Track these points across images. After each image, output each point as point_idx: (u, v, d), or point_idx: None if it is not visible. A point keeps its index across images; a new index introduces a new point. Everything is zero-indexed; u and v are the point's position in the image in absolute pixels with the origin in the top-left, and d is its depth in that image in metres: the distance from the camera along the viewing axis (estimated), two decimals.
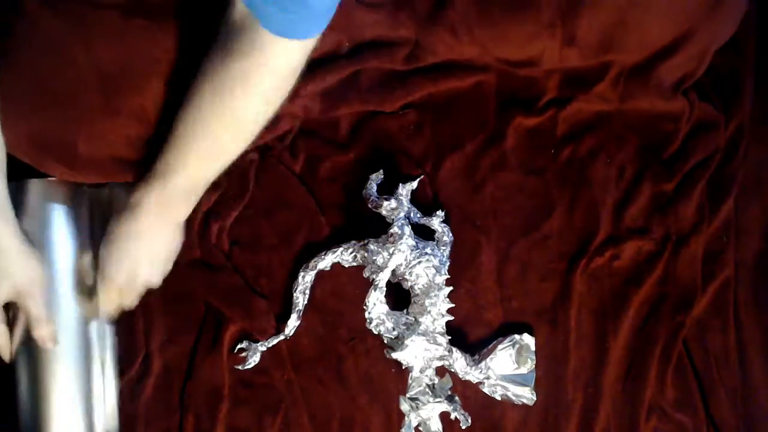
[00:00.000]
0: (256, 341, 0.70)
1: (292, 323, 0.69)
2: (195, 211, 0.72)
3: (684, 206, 0.71)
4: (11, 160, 0.64)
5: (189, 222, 0.73)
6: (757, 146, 0.73)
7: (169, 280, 0.72)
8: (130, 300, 0.67)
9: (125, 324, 0.73)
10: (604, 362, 0.69)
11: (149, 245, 0.64)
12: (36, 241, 0.66)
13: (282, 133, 0.72)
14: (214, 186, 0.73)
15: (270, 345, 0.70)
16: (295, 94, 0.68)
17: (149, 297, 0.72)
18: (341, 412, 0.70)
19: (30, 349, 0.67)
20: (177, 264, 0.72)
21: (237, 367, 0.70)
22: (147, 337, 0.72)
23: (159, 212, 0.61)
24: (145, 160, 0.64)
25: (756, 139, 0.73)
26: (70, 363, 0.68)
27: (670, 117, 0.72)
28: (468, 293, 0.70)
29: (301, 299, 0.69)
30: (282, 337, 0.70)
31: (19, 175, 0.67)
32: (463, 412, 0.65)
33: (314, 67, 0.68)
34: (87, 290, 0.67)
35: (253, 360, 0.70)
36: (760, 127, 0.73)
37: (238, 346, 0.70)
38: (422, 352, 0.65)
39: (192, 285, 0.72)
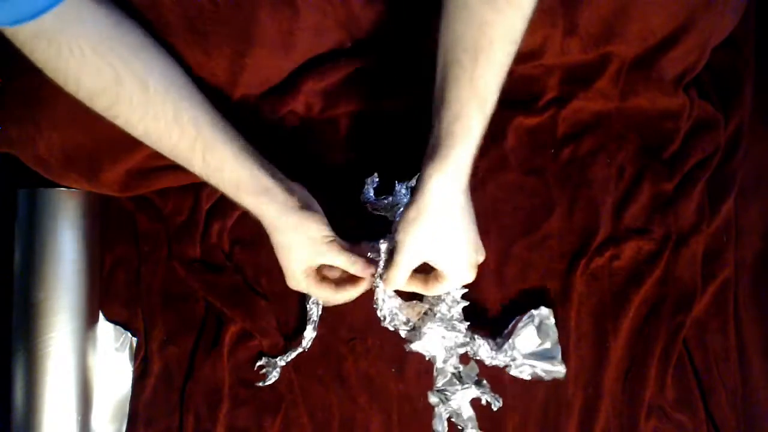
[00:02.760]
0: (274, 356, 0.70)
1: (309, 335, 0.69)
2: (196, 211, 0.73)
3: (684, 206, 0.71)
4: (23, 170, 0.66)
5: (190, 222, 0.74)
6: (757, 146, 0.72)
7: (169, 279, 0.73)
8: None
9: (126, 324, 0.74)
10: (604, 362, 0.69)
11: (451, 231, 0.58)
12: (49, 248, 0.67)
13: (283, 132, 0.72)
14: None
15: (289, 359, 0.69)
16: (296, 92, 0.68)
17: (149, 297, 0.73)
18: (341, 412, 0.70)
19: (27, 350, 0.67)
20: (177, 264, 0.72)
21: (258, 384, 0.70)
22: (147, 337, 0.72)
23: (457, 193, 0.56)
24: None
25: (756, 139, 0.72)
26: (68, 365, 0.69)
27: (670, 114, 0.72)
28: (468, 293, 0.70)
29: (315, 310, 0.69)
30: (300, 350, 0.69)
31: (30, 184, 0.69)
32: (493, 394, 0.65)
33: (316, 64, 0.68)
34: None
35: (273, 376, 0.69)
36: (760, 127, 0.73)
37: (258, 363, 0.70)
38: (441, 341, 0.65)
39: (192, 285, 0.72)
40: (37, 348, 0.68)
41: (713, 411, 0.68)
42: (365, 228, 0.70)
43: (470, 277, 0.61)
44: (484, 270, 0.71)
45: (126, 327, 0.74)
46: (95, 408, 0.72)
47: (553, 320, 0.68)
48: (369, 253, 0.65)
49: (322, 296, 0.65)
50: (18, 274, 0.70)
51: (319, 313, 0.69)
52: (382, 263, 0.63)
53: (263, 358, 0.70)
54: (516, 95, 0.73)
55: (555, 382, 0.69)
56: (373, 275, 0.63)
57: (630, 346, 0.69)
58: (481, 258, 0.62)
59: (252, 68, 0.64)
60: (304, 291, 0.64)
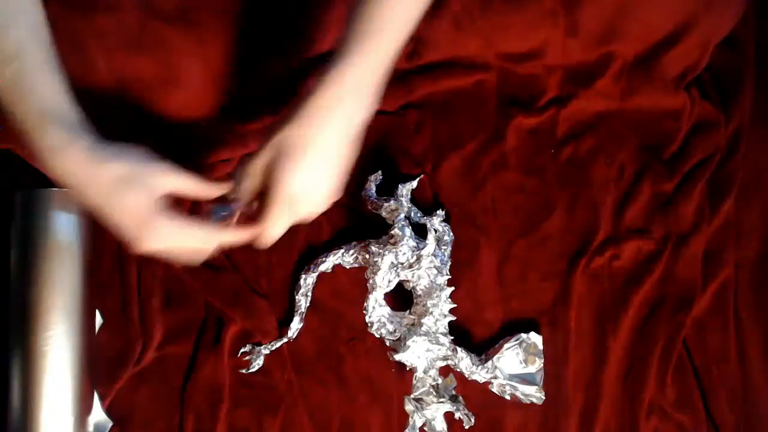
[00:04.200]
0: (259, 344, 0.70)
1: (295, 326, 0.69)
2: (196, 211, 0.73)
3: (684, 206, 0.71)
4: (19, 172, 0.65)
5: None
6: (757, 146, 0.72)
7: (169, 280, 0.73)
8: (276, 230, 0.53)
9: (126, 324, 0.73)
10: (604, 362, 0.69)
11: (324, 154, 0.51)
12: (46, 248, 0.67)
13: None
14: None
15: (273, 348, 0.70)
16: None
17: (149, 297, 0.72)
18: (341, 412, 0.70)
19: (24, 349, 0.67)
20: (177, 264, 0.72)
21: (241, 370, 0.70)
22: (147, 337, 0.72)
23: (337, 108, 0.50)
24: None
25: (756, 139, 0.72)
26: (63, 362, 0.69)
27: (671, 114, 0.72)
28: (468, 293, 0.70)
29: (303, 302, 0.69)
30: (285, 340, 0.70)
31: (27, 185, 0.68)
32: (466, 411, 0.65)
33: (316, 63, 0.68)
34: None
35: (257, 363, 0.70)
36: (760, 127, 0.73)
37: (242, 350, 0.70)
38: (425, 353, 0.65)
39: (192, 285, 0.72)
40: (33, 347, 0.68)
41: (713, 411, 0.68)
42: (363, 227, 0.70)
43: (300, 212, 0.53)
44: (484, 270, 0.71)
45: (125, 327, 0.74)
46: (93, 407, 0.72)
47: (541, 347, 0.68)
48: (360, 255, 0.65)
49: (199, 237, 0.52)
50: (15, 274, 0.69)
51: (307, 304, 0.70)
52: (380, 266, 0.63)
53: (247, 345, 0.70)
54: (516, 95, 0.73)
55: (555, 382, 0.69)
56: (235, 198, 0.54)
57: (630, 346, 0.70)
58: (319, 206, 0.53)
59: (255, 69, 0.64)
60: (170, 240, 0.51)
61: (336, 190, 0.53)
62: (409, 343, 0.65)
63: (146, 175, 0.50)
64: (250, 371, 0.70)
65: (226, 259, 0.72)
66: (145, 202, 0.50)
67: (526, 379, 0.68)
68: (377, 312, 0.66)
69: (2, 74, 0.49)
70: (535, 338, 0.68)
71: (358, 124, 0.52)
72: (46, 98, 0.49)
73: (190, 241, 0.52)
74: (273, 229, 0.53)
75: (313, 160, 0.50)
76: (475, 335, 0.70)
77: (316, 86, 0.50)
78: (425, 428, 0.66)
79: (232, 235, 0.54)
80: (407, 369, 0.68)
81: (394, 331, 0.66)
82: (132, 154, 0.50)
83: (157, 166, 0.51)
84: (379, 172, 0.70)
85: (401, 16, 0.50)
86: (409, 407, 0.66)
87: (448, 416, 0.66)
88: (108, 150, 0.49)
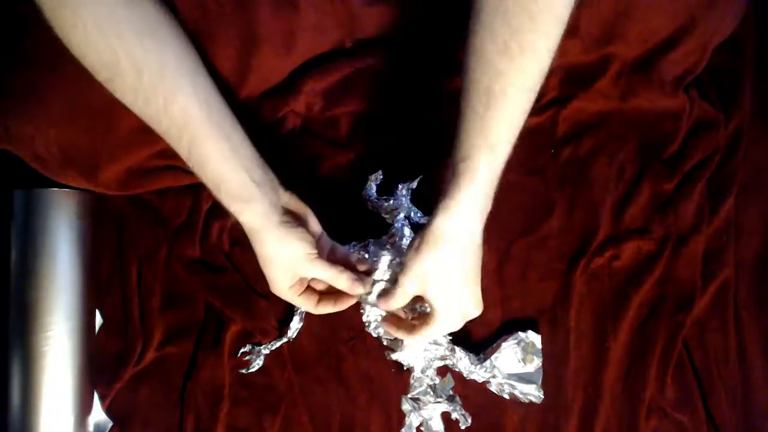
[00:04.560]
0: (259, 344, 0.70)
1: (295, 325, 0.69)
2: (196, 211, 0.73)
3: (684, 206, 0.71)
4: (21, 169, 0.65)
5: (189, 222, 0.73)
6: (757, 146, 0.72)
7: (169, 280, 0.73)
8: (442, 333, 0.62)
9: (126, 324, 0.73)
10: (604, 362, 0.69)
11: (468, 275, 0.58)
12: (46, 248, 0.67)
13: (284, 132, 0.72)
14: None
15: (273, 348, 0.70)
16: (297, 92, 0.68)
17: (149, 297, 0.73)
18: (341, 412, 0.70)
19: (24, 349, 0.67)
20: (177, 264, 0.72)
21: (241, 370, 0.70)
22: (147, 337, 0.72)
23: (470, 218, 0.55)
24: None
25: (756, 139, 0.72)
26: (63, 362, 0.69)
27: (670, 115, 0.72)
28: None
29: None
30: (285, 340, 0.70)
31: (27, 185, 0.68)
32: (463, 412, 0.65)
33: (316, 64, 0.68)
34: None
35: (257, 363, 0.70)
36: (760, 127, 0.73)
37: (241, 350, 0.70)
38: (422, 353, 0.66)
39: (192, 285, 0.72)
40: (33, 347, 0.68)
41: (713, 411, 0.68)
42: (363, 227, 0.70)
43: (457, 326, 0.60)
44: (484, 270, 0.71)
45: (125, 327, 0.74)
46: (93, 407, 0.72)
47: (540, 346, 0.68)
48: (356, 255, 0.65)
49: (304, 307, 0.64)
50: (15, 274, 0.70)
51: None
52: (378, 266, 0.63)
53: (247, 345, 0.70)
54: None
55: (555, 381, 0.69)
56: (359, 293, 0.62)
57: (630, 346, 0.69)
58: (475, 313, 0.60)
59: (256, 69, 0.64)
60: (286, 300, 0.63)
61: (474, 303, 0.59)
62: (406, 342, 0.65)
63: (302, 268, 0.60)
64: (250, 371, 0.70)
65: (226, 259, 0.72)
66: (286, 283, 0.61)
67: (525, 378, 0.68)
68: (375, 312, 0.66)
69: (182, 147, 0.55)
70: (534, 337, 0.68)
71: (471, 238, 0.56)
72: (218, 169, 0.55)
73: (303, 307, 0.65)
74: (439, 333, 0.61)
75: (461, 281, 0.57)
76: (474, 335, 0.70)
77: (433, 215, 0.55)
78: (422, 428, 0.66)
79: (329, 311, 0.65)
80: (405, 369, 0.68)
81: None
82: (299, 240, 0.59)
83: (312, 260, 0.59)
84: (380, 171, 0.70)
85: (512, 125, 0.53)
86: (406, 407, 0.66)
87: (445, 416, 0.66)
88: (278, 230, 0.58)
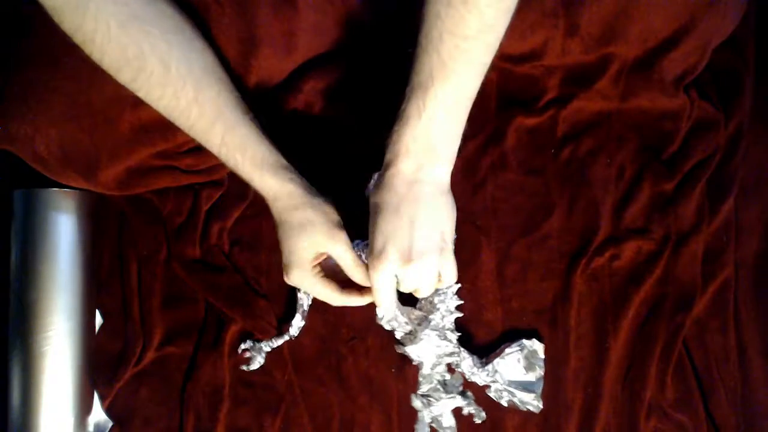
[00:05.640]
0: (260, 341, 0.70)
1: (297, 323, 0.69)
2: (196, 211, 0.73)
3: (684, 206, 0.71)
4: (21, 169, 0.66)
5: (189, 222, 0.73)
6: (757, 146, 0.72)
7: (169, 280, 0.73)
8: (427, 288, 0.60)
9: (126, 324, 0.73)
10: (604, 362, 0.69)
11: (425, 212, 0.56)
12: (46, 248, 0.67)
13: (284, 131, 0.72)
14: (215, 186, 0.73)
15: (274, 346, 0.70)
16: (297, 91, 0.68)
17: (149, 297, 0.73)
18: (341, 412, 0.70)
19: (24, 349, 0.67)
20: (177, 264, 0.72)
21: (242, 367, 0.70)
22: (147, 337, 0.72)
23: (424, 161, 0.55)
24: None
25: (756, 139, 0.72)
26: (63, 362, 0.69)
27: (670, 115, 0.72)
28: (468, 293, 0.70)
29: (305, 299, 0.69)
30: (287, 338, 0.70)
31: (27, 185, 0.68)
32: (476, 406, 0.65)
33: (316, 64, 0.68)
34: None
35: (258, 361, 0.70)
36: (760, 127, 0.73)
37: (242, 347, 0.70)
38: (434, 348, 0.65)
39: (192, 285, 0.72)
40: (33, 347, 0.68)
41: (713, 411, 0.68)
42: (365, 225, 0.70)
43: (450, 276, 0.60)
44: (484, 270, 0.71)
45: (125, 327, 0.74)
46: (93, 407, 0.72)
47: (542, 356, 0.68)
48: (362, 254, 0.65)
49: (324, 295, 0.63)
50: (14, 273, 0.70)
51: (309, 302, 0.69)
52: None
53: (248, 342, 0.70)
54: (516, 95, 0.73)
55: (555, 382, 0.69)
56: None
57: (630, 346, 0.70)
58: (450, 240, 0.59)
59: (256, 69, 0.64)
60: (306, 287, 0.62)
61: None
62: (421, 335, 0.64)
63: (323, 241, 0.59)
64: (250, 368, 0.70)
65: (226, 259, 0.72)
66: (309, 256, 0.60)
67: (525, 386, 0.68)
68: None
69: (213, 135, 0.57)
70: (537, 346, 0.68)
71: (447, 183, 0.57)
72: (258, 148, 0.58)
73: (323, 296, 0.63)
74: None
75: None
76: (475, 335, 0.70)
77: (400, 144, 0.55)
78: (433, 425, 0.66)
79: (354, 302, 0.64)
80: (411, 365, 0.67)
81: (407, 323, 0.66)
82: (331, 211, 0.60)
83: (336, 236, 0.60)
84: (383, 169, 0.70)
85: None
86: (417, 403, 0.66)
87: (456, 412, 0.66)
88: (314, 199, 0.60)
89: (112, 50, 0.52)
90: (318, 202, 0.60)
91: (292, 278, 0.62)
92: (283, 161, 0.60)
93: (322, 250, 0.60)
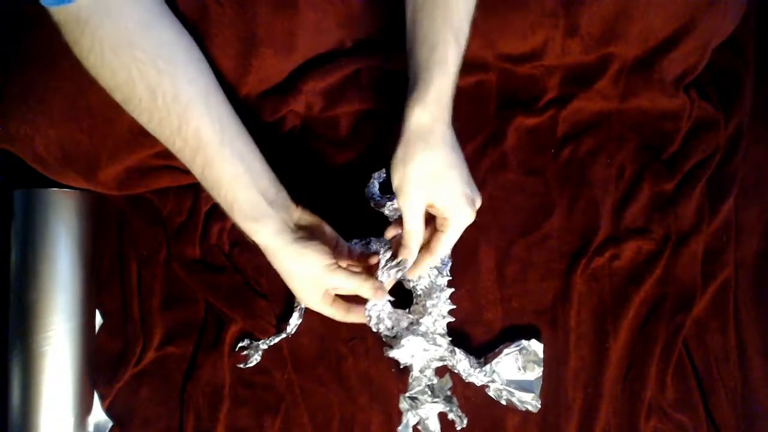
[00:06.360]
0: (258, 340, 0.70)
1: (294, 321, 0.69)
2: (196, 211, 0.73)
3: (684, 206, 0.71)
4: (21, 169, 0.66)
5: (189, 222, 0.73)
6: (757, 146, 0.72)
7: (170, 280, 0.73)
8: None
9: (126, 324, 0.73)
10: (604, 362, 0.69)
11: (454, 164, 0.56)
12: (46, 248, 0.67)
13: (284, 132, 0.72)
14: None
15: (272, 343, 0.70)
16: (297, 91, 0.68)
17: (149, 298, 0.72)
18: (341, 412, 0.70)
19: (24, 349, 0.67)
20: (177, 264, 0.72)
21: (239, 365, 0.70)
22: (147, 337, 0.72)
23: (442, 125, 0.55)
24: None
25: (756, 139, 0.73)
26: (63, 362, 0.69)
27: (670, 115, 0.72)
28: (468, 293, 0.70)
29: None
30: (284, 336, 0.70)
31: (27, 185, 0.68)
32: (459, 413, 0.65)
33: (316, 64, 0.68)
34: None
35: (255, 359, 0.70)
36: (760, 127, 0.73)
37: (239, 345, 0.70)
38: (421, 353, 0.65)
39: (192, 285, 0.72)
40: (33, 347, 0.68)
41: (713, 411, 0.69)
42: (366, 226, 0.70)
43: (471, 215, 0.58)
44: (484, 270, 0.71)
45: (125, 327, 0.74)
46: (93, 407, 0.72)
47: (542, 356, 0.68)
48: (363, 249, 0.65)
49: (334, 316, 0.64)
50: (14, 273, 0.70)
51: None
52: (383, 262, 0.63)
53: (245, 340, 0.70)
54: (516, 95, 0.73)
55: (555, 382, 0.69)
56: (383, 299, 0.63)
57: (630, 346, 0.70)
58: (477, 198, 0.59)
59: (256, 69, 0.64)
60: (319, 311, 0.64)
61: (472, 188, 0.58)
62: (403, 341, 0.65)
63: (324, 279, 0.59)
64: (248, 366, 0.70)
65: (226, 259, 0.72)
66: (315, 297, 0.61)
67: (524, 386, 0.68)
68: (377, 307, 0.65)
69: (195, 167, 0.56)
70: (536, 346, 0.68)
71: (450, 127, 0.56)
72: (230, 191, 0.56)
73: (333, 317, 0.64)
74: (458, 231, 0.59)
75: (459, 170, 0.56)
76: (474, 335, 0.70)
77: (407, 117, 0.54)
78: (419, 427, 0.66)
79: (359, 318, 0.65)
80: (401, 367, 0.68)
81: (392, 327, 0.66)
82: (315, 252, 0.58)
83: (331, 271, 0.59)
84: (383, 169, 0.70)
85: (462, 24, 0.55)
86: (403, 405, 0.66)
87: (442, 417, 0.66)
88: (293, 246, 0.58)
89: (104, 72, 0.52)
90: (296, 250, 0.58)
91: (303, 304, 0.64)
92: (260, 207, 0.57)
93: (325, 288, 0.61)
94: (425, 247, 0.61)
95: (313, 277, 0.59)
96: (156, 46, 0.53)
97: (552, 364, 0.69)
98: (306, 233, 0.60)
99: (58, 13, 0.50)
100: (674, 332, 0.69)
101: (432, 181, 0.55)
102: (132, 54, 0.51)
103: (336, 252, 0.62)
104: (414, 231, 0.58)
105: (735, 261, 0.71)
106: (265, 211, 0.57)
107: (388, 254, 0.62)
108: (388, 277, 0.61)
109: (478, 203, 0.59)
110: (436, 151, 0.54)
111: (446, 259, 0.68)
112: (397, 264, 0.61)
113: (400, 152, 0.55)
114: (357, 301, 0.64)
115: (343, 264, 0.62)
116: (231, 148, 0.56)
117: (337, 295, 0.64)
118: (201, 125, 0.54)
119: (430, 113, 0.54)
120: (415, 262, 0.61)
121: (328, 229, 0.63)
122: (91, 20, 0.50)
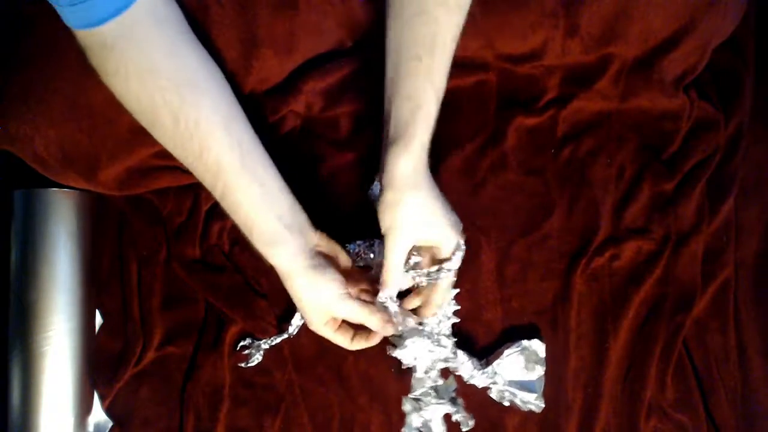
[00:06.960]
0: (259, 339, 0.70)
1: (296, 322, 0.69)
2: (196, 211, 0.73)
3: (684, 206, 0.71)
4: (21, 169, 0.66)
5: (189, 222, 0.73)
6: (757, 146, 0.72)
7: (170, 280, 0.73)
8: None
9: (126, 324, 0.73)
10: (604, 362, 0.69)
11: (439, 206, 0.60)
12: (45, 248, 0.67)
13: (284, 132, 0.72)
14: None
15: (273, 343, 0.70)
16: (297, 91, 0.68)
17: (149, 298, 0.73)
18: (341, 412, 0.70)
19: (24, 349, 0.67)
20: (177, 264, 0.72)
21: (240, 364, 0.70)
22: (147, 337, 0.72)
23: (424, 170, 0.58)
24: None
25: (756, 139, 0.72)
26: (63, 362, 0.69)
27: (670, 115, 0.72)
28: (468, 293, 0.70)
29: None
30: (285, 336, 0.70)
31: (27, 185, 0.68)
32: (465, 414, 0.65)
33: (316, 64, 0.68)
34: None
35: (257, 358, 0.70)
36: (760, 127, 0.73)
37: (240, 344, 0.70)
38: (425, 354, 0.65)
39: (192, 285, 0.72)
40: (33, 347, 0.68)
41: (713, 411, 0.68)
42: (366, 226, 0.70)
43: (461, 240, 0.62)
44: (484, 270, 0.71)
45: (125, 327, 0.74)
46: (93, 407, 0.72)
47: (543, 356, 0.68)
48: (364, 255, 0.66)
49: (336, 341, 0.65)
50: (14, 273, 0.70)
51: None
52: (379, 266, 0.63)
53: (247, 339, 0.70)
54: (516, 95, 0.73)
55: (555, 381, 0.69)
56: (390, 333, 0.64)
57: (630, 346, 0.70)
58: (459, 223, 0.62)
59: (256, 69, 0.64)
60: (324, 336, 0.65)
61: (455, 220, 0.61)
62: (407, 342, 0.64)
63: (333, 308, 0.61)
64: (248, 365, 0.70)
65: (226, 259, 0.72)
66: (320, 317, 0.62)
67: (526, 386, 0.68)
68: (390, 307, 0.65)
69: (215, 191, 0.57)
70: (537, 346, 0.68)
71: (427, 169, 0.59)
72: (249, 216, 0.58)
73: (337, 343, 0.66)
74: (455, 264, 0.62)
75: (441, 206, 0.60)
76: (474, 335, 0.70)
77: (393, 165, 0.56)
78: (422, 429, 0.66)
79: (362, 346, 0.66)
80: (403, 367, 0.67)
81: (398, 327, 0.66)
82: (328, 282, 0.60)
83: (342, 301, 0.60)
84: None
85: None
86: (407, 407, 0.66)
87: (446, 418, 0.66)
88: (307, 273, 0.59)
89: (129, 98, 0.54)
90: (310, 278, 0.59)
91: (311, 329, 0.65)
92: (278, 234, 0.58)
93: (334, 317, 0.63)
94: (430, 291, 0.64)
95: (323, 305, 0.61)
96: (180, 74, 0.54)
97: (552, 364, 0.69)
98: (322, 260, 0.61)
99: (84, 38, 0.51)
100: (674, 332, 0.69)
101: (422, 220, 0.58)
102: (156, 82, 0.53)
103: (349, 279, 0.63)
104: (393, 270, 0.60)
105: (735, 261, 0.71)
106: (282, 236, 0.58)
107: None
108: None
109: (461, 226, 0.62)
110: (423, 191, 0.57)
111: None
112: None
113: (389, 196, 0.57)
114: (364, 328, 0.65)
115: (354, 292, 0.64)
116: (251, 174, 0.57)
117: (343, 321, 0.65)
118: (221, 152, 0.55)
119: (413, 161, 0.56)
120: (425, 309, 0.65)
121: (344, 258, 0.65)
122: (117, 47, 0.51)
